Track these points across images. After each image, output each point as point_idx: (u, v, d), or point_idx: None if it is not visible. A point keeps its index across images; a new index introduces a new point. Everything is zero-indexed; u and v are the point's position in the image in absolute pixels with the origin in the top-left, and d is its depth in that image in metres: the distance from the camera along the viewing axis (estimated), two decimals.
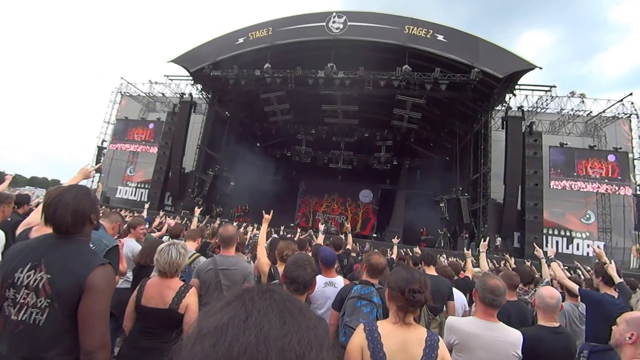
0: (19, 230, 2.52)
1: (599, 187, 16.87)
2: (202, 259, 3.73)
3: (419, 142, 22.00)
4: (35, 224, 2.44)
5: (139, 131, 23.23)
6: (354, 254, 6.89)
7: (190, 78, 19.65)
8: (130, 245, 4.08)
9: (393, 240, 7.72)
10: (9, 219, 3.54)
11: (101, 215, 2.81)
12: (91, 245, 2.35)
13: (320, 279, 3.13)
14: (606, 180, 16.88)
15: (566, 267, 9.02)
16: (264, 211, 4.09)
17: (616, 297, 3.44)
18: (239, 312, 0.51)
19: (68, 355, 1.50)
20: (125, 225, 4.35)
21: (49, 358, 1.48)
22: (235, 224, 9.86)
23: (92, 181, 22.62)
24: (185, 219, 14.23)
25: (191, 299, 2.40)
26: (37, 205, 2.77)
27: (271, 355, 0.44)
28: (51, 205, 1.59)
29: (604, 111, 17.49)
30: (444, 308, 3.77)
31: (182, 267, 2.52)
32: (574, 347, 2.53)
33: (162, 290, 2.39)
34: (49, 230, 1.84)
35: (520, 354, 2.15)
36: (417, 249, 9.99)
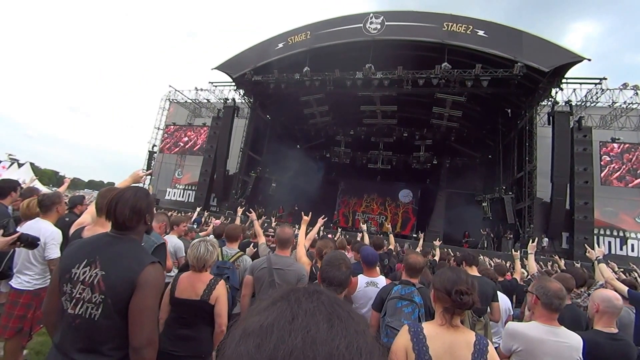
0: (72, 230, 2.68)
1: None
2: (246, 257, 3.83)
3: (460, 140, 21.52)
4: (87, 223, 2.61)
5: (190, 133, 24.72)
6: (395, 253, 6.84)
7: (233, 84, 20.41)
8: (172, 241, 4.30)
9: (434, 242, 7.64)
10: (66, 219, 3.72)
11: None
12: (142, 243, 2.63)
13: (362, 279, 3.20)
14: None
15: (621, 269, 8.65)
16: (303, 212, 4.24)
17: None
18: (285, 313, 0.49)
19: (121, 349, 1.55)
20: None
21: (103, 351, 1.54)
22: (274, 223, 10.23)
23: (143, 184, 24.18)
24: (229, 218, 14.89)
25: (221, 291, 2.55)
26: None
27: (318, 359, 0.43)
28: (113, 200, 1.72)
29: None
30: (488, 309, 3.71)
31: (209, 263, 2.66)
32: (633, 356, 2.37)
33: (194, 283, 2.54)
34: (100, 229, 2.00)
35: (582, 359, 2.09)
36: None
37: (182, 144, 24.84)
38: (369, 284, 3.15)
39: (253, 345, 0.45)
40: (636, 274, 7.03)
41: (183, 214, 10.55)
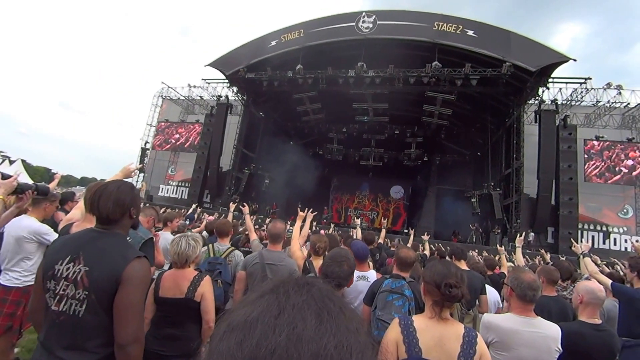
0: (60, 226, 2.64)
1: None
2: (237, 252, 3.80)
3: (450, 138, 21.92)
4: (75, 219, 2.57)
5: (180, 130, 24.84)
6: (393, 249, 7.00)
7: (226, 81, 20.43)
8: (167, 238, 4.19)
9: (423, 237, 7.83)
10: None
11: None
12: (127, 238, 2.61)
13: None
14: None
15: (604, 262, 9.04)
16: (299, 208, 4.29)
17: None
18: (271, 307, 0.47)
19: (108, 346, 1.53)
20: (161, 221, 4.39)
21: (89, 348, 1.51)
22: (268, 220, 10.38)
23: (137, 181, 24.15)
24: (223, 214, 15.03)
25: (206, 288, 2.48)
26: None
27: (303, 358, 0.40)
28: (96, 194, 1.68)
29: None
30: (477, 302, 3.81)
31: (192, 258, 2.57)
32: (616, 346, 2.45)
33: (178, 280, 2.48)
34: (88, 225, 1.94)
35: (561, 348, 2.11)
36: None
37: (173, 141, 24.85)
38: (360, 278, 3.20)
39: (235, 342, 0.43)
40: (619, 267, 7.21)
41: (176, 210, 10.74)
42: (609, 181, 17.09)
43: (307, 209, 4.41)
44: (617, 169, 17.08)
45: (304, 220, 4.18)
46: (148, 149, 24.99)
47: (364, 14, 16.88)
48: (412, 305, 2.63)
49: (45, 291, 1.58)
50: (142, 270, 1.61)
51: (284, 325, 0.43)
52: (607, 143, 17.46)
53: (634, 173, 16.82)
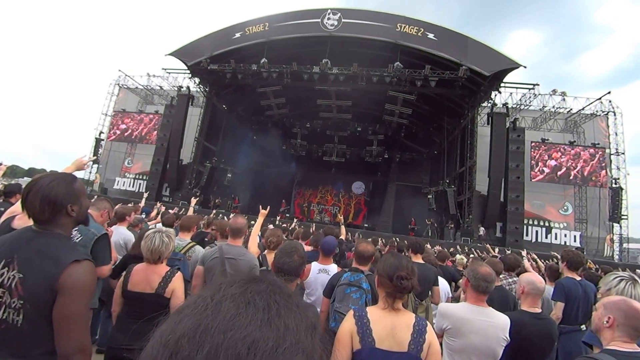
0: (2, 219, 2.42)
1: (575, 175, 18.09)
2: (199, 248, 3.75)
3: (409, 136, 22.70)
4: (18, 212, 2.39)
5: (127, 120, 23.98)
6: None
7: (188, 71, 19.87)
8: (122, 233, 4.04)
9: (378, 245, 7.96)
10: (1, 209, 3.40)
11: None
12: (78, 235, 2.52)
13: (315, 266, 3.38)
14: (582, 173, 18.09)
15: (543, 259, 9.81)
16: (260, 206, 4.26)
17: (578, 279, 3.72)
18: (199, 300, 0.48)
19: (54, 354, 1.41)
20: (113, 215, 4.14)
21: (35, 356, 1.41)
22: (232, 215, 10.27)
23: (90, 172, 23.07)
24: (183, 209, 14.67)
25: (177, 284, 2.43)
26: None
27: (204, 348, 0.40)
28: (26, 189, 1.49)
29: (583, 109, 18.42)
30: (429, 293, 4.02)
31: (165, 255, 2.51)
32: (555, 333, 2.66)
33: (149, 275, 2.43)
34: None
35: (508, 338, 2.25)
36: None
37: (118, 132, 23.94)
38: (321, 271, 3.34)
39: (159, 332, 0.45)
40: (556, 260, 7.90)
41: (132, 204, 10.19)
42: (534, 179, 18.50)
43: (268, 206, 4.45)
44: (540, 168, 18.56)
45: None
46: (102, 140, 23.86)
47: (329, 11, 16.97)
48: (368, 297, 2.72)
49: None
50: (83, 275, 1.43)
51: (199, 317, 0.44)
52: (534, 144, 18.79)
53: (559, 173, 18.41)
